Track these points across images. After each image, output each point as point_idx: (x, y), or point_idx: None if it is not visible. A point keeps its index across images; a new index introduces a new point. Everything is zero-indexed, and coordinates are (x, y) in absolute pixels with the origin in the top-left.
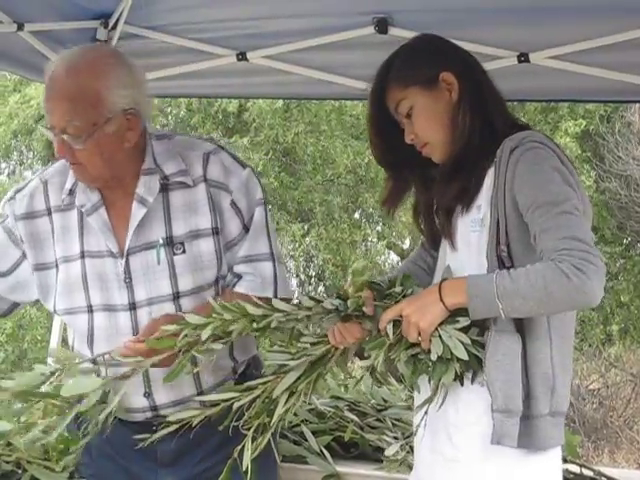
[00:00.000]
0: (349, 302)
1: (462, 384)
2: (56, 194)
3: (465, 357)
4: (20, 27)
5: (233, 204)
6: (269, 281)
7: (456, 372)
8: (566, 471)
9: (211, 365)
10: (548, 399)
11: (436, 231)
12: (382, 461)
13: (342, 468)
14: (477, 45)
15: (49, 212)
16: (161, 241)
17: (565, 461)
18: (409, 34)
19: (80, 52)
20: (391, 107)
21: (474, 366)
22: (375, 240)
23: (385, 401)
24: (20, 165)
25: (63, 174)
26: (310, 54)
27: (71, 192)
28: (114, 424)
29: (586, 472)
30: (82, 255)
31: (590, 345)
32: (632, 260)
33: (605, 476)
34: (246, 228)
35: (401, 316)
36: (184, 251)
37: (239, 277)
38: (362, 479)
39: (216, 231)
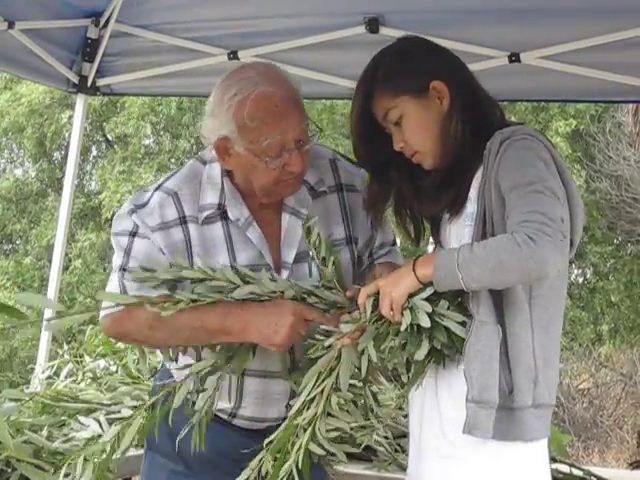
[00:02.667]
0: (325, 277)
1: (443, 365)
2: (189, 205)
3: (427, 324)
4: (11, 25)
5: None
6: (400, 261)
7: (431, 350)
8: (555, 471)
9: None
10: (531, 391)
11: (420, 229)
12: (372, 460)
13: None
14: (468, 45)
15: (184, 221)
16: (310, 253)
17: (555, 461)
18: (400, 34)
19: (256, 68)
20: (379, 114)
21: (440, 337)
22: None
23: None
24: (11, 163)
25: (193, 184)
26: (301, 53)
27: (220, 207)
28: (218, 428)
29: (576, 472)
30: (233, 267)
31: (580, 345)
32: (622, 260)
33: (595, 476)
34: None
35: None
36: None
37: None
38: (352, 478)
39: (349, 240)
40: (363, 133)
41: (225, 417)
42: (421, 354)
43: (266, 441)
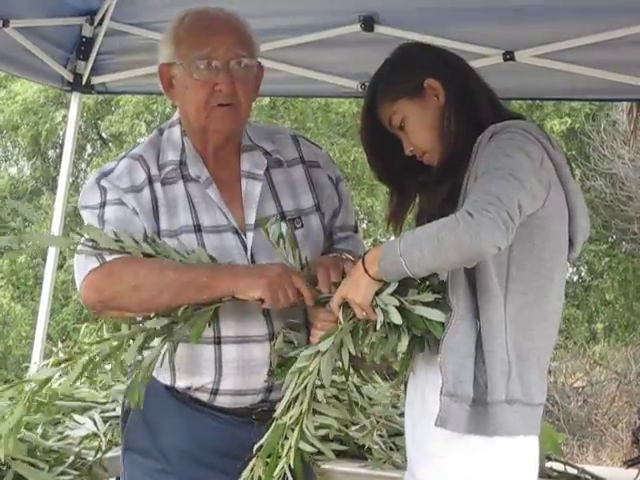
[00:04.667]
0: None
1: (421, 350)
2: (153, 165)
3: (399, 321)
4: (5, 23)
5: (330, 178)
6: (361, 250)
7: (410, 340)
8: (550, 469)
9: None
10: (504, 385)
11: None
12: (367, 459)
13: (327, 465)
14: (463, 43)
15: (150, 181)
16: (278, 216)
17: (549, 459)
18: (395, 32)
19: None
20: (385, 122)
21: (418, 326)
22: (361, 237)
23: (370, 399)
24: (5, 161)
25: (155, 147)
26: (297, 52)
27: (182, 163)
28: (197, 417)
29: (570, 470)
30: (198, 229)
31: (575, 343)
32: (617, 258)
33: (589, 474)
34: (340, 200)
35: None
36: (302, 225)
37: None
38: (347, 477)
39: (318, 207)
40: (374, 145)
41: (206, 399)
42: (403, 346)
43: (255, 446)
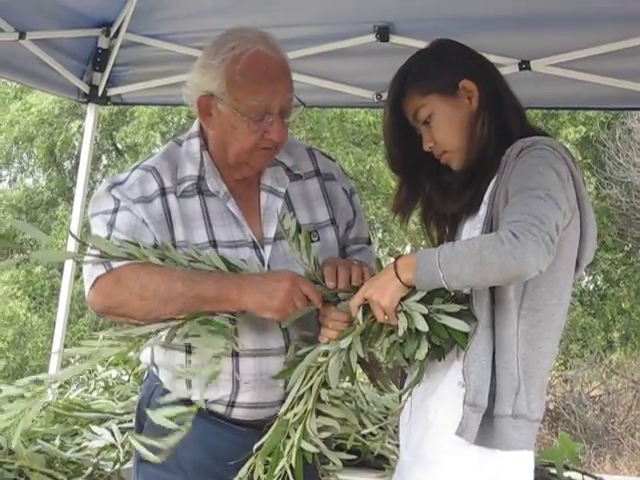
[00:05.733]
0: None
1: (439, 359)
2: (167, 177)
3: (425, 328)
4: (22, 35)
5: (344, 190)
6: (374, 261)
7: (429, 347)
8: (568, 479)
9: None
10: (512, 400)
11: (443, 234)
12: (384, 469)
13: (344, 476)
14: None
15: (163, 193)
16: (292, 214)
17: (567, 469)
18: (410, 42)
19: (256, 31)
20: (409, 114)
21: (442, 335)
22: (376, 247)
23: (387, 409)
24: (21, 172)
25: (171, 159)
26: (312, 62)
27: (199, 178)
28: (214, 429)
29: None
30: (214, 244)
31: (591, 352)
32: (633, 267)
33: None
34: (354, 212)
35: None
36: (319, 239)
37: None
38: None
39: (333, 221)
40: (395, 134)
41: (222, 411)
42: (422, 353)
43: (255, 446)
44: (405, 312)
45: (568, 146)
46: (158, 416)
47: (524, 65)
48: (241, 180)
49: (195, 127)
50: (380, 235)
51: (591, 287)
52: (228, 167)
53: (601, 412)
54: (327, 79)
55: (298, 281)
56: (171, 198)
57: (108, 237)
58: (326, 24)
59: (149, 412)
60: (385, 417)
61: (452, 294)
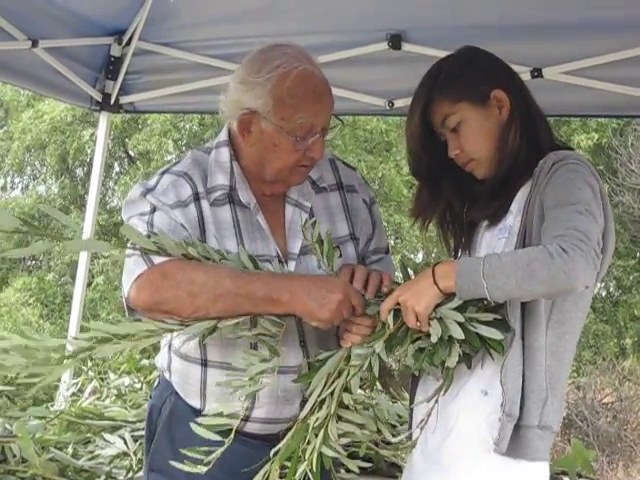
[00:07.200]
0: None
1: (469, 367)
2: (200, 184)
3: (461, 336)
4: (35, 44)
5: (364, 202)
6: (393, 271)
7: (460, 354)
8: None
9: None
10: (539, 411)
11: (459, 240)
12: (397, 477)
13: None
14: None
15: (197, 198)
16: (315, 219)
17: (580, 476)
18: (422, 50)
19: (295, 47)
20: (437, 120)
21: (475, 344)
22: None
23: (400, 417)
24: (34, 180)
25: (201, 167)
26: (324, 70)
27: (231, 188)
28: (230, 444)
29: None
30: (249, 256)
31: (604, 359)
32: None
33: None
34: (374, 223)
35: (399, 303)
36: (340, 255)
37: (370, 265)
38: None
39: (353, 236)
40: (419, 138)
41: (235, 425)
42: (453, 361)
43: (273, 451)
44: (438, 319)
45: (580, 153)
46: (199, 428)
47: (536, 73)
48: (268, 194)
49: (224, 136)
50: (392, 242)
51: (603, 294)
52: (258, 180)
53: (614, 419)
54: (339, 87)
55: (350, 293)
56: (204, 204)
57: (148, 237)
58: (338, 32)
59: (193, 426)
60: (400, 425)
61: (485, 303)
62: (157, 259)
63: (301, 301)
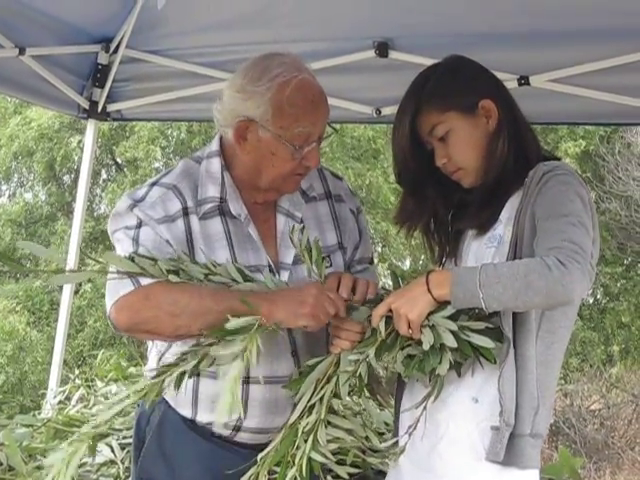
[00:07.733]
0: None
1: (459, 374)
2: (189, 197)
3: (454, 345)
4: (22, 51)
5: (351, 211)
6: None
7: (451, 362)
8: None
9: None
10: (531, 419)
11: (444, 248)
12: None
13: None
14: None
15: (185, 213)
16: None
17: None
18: (409, 58)
19: (292, 56)
20: (424, 129)
21: (467, 352)
22: (376, 262)
23: (387, 424)
24: (21, 187)
25: (191, 178)
26: None
27: (221, 200)
28: (217, 452)
29: None
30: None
31: (591, 366)
32: (633, 281)
33: None
34: (360, 232)
35: (391, 310)
36: (331, 264)
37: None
38: None
39: (341, 245)
40: (406, 147)
41: (226, 434)
42: (444, 369)
43: (260, 455)
44: (430, 327)
45: (567, 160)
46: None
47: (523, 80)
48: (260, 202)
49: (215, 146)
50: (379, 250)
51: (591, 301)
52: (250, 188)
53: (601, 426)
54: (327, 95)
55: (323, 288)
56: (193, 219)
57: (135, 252)
58: (325, 40)
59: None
60: (387, 432)
61: (477, 311)
62: (144, 280)
63: (280, 306)
